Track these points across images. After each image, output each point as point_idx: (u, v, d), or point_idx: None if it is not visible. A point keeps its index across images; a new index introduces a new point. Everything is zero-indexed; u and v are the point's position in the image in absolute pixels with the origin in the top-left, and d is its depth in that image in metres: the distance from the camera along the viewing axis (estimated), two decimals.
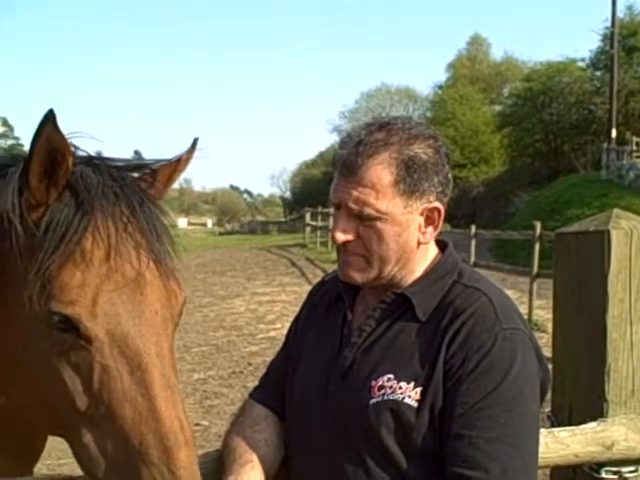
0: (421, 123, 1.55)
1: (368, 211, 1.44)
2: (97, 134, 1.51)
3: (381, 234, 1.45)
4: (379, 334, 1.48)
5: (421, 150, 1.46)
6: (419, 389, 1.40)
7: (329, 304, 1.63)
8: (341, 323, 1.56)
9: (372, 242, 1.46)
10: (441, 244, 1.58)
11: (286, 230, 46.31)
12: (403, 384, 1.41)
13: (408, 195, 1.45)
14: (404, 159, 1.44)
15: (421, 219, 1.48)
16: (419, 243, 1.49)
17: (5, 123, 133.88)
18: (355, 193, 1.45)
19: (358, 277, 1.51)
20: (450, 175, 1.52)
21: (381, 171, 1.44)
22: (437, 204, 1.49)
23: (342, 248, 1.50)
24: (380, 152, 1.45)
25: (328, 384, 1.50)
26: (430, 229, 1.50)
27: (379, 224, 1.45)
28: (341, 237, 1.48)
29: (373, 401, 1.42)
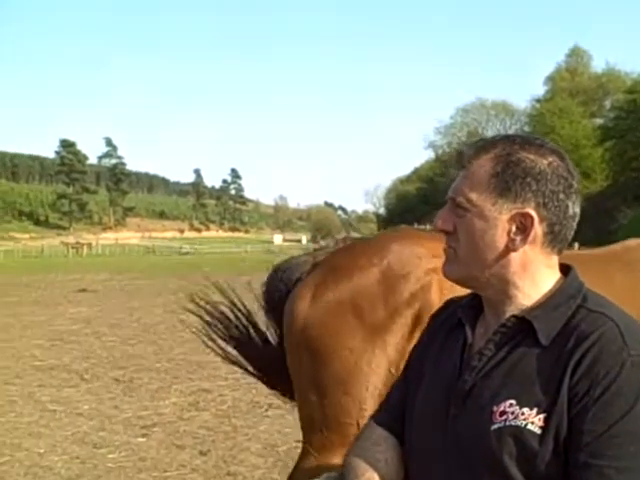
0: (554, 146, 1.53)
1: (460, 199, 1.44)
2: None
3: (469, 227, 1.43)
4: (500, 359, 1.45)
5: (529, 157, 1.41)
6: (542, 415, 1.35)
7: (450, 328, 1.61)
8: (461, 347, 1.53)
9: (462, 234, 1.45)
10: (563, 268, 1.54)
11: None
12: (526, 410, 1.36)
13: (499, 192, 1.41)
14: (505, 157, 1.42)
15: (512, 226, 1.42)
16: (508, 249, 1.43)
17: (109, 143, 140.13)
18: (459, 184, 1.47)
19: (449, 272, 1.50)
20: (562, 197, 1.41)
21: (482, 164, 1.44)
22: (531, 212, 1.41)
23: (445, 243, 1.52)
24: (489, 149, 1.45)
25: (448, 408, 1.48)
26: (520, 237, 1.42)
27: (469, 216, 1.43)
28: (439, 223, 1.49)
29: (495, 427, 1.38)
